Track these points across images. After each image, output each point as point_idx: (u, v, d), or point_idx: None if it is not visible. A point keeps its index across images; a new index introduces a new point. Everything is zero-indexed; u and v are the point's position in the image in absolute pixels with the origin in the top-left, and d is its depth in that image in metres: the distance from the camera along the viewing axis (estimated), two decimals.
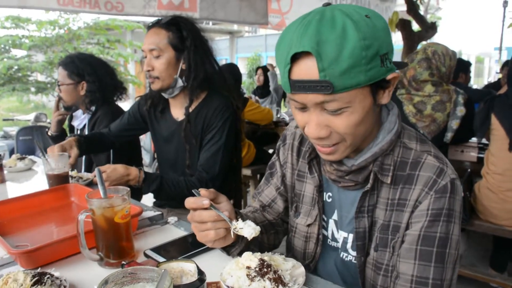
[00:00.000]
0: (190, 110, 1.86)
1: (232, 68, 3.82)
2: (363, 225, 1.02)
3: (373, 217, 1.01)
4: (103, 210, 1.08)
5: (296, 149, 1.21)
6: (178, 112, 1.92)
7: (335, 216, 1.11)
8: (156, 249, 1.18)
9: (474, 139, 2.95)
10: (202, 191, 0.98)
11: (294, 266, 1.01)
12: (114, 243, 1.11)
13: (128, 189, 1.13)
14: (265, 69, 6.48)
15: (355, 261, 1.06)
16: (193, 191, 0.99)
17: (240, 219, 0.96)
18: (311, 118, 0.90)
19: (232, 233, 0.96)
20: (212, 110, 1.82)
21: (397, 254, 0.98)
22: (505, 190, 2.41)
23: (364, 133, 0.94)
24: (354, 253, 1.06)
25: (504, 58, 14.57)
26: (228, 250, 1.08)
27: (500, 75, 5.22)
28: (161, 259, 1.12)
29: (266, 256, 0.99)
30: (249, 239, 0.95)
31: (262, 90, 6.38)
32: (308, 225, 1.16)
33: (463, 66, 4.44)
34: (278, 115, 4.71)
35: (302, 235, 1.17)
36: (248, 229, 0.94)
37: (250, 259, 0.97)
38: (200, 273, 0.76)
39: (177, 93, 1.87)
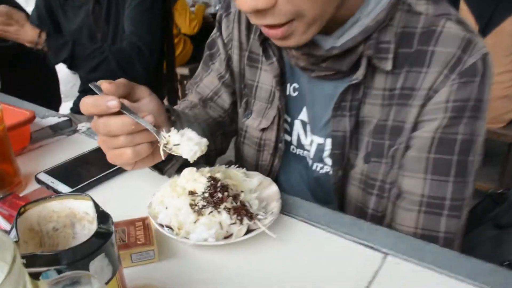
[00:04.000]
0: None
1: None
2: (342, 127, 0.70)
3: (359, 116, 0.70)
4: None
5: (244, 20, 0.82)
6: None
7: (303, 116, 0.78)
8: (53, 172, 0.79)
9: None
10: (104, 84, 0.58)
11: (262, 183, 0.69)
12: None
13: None
14: None
15: (332, 174, 0.75)
16: (90, 85, 0.59)
17: (173, 129, 0.59)
18: None
19: (161, 150, 0.60)
20: None
21: (399, 166, 0.69)
22: None
23: None
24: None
25: None
26: (160, 167, 0.73)
27: None
28: (61, 186, 0.75)
29: (219, 173, 0.66)
30: (190, 161, 0.60)
31: None
32: (263, 129, 0.83)
33: None
34: (218, 7, 4.14)
35: (254, 142, 0.84)
36: (189, 146, 0.58)
37: (195, 178, 0.63)
38: (102, 217, 0.40)
39: None
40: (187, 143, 0.59)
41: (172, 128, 0.60)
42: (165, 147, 0.60)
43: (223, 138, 0.91)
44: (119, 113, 0.57)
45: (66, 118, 1.09)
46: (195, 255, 0.59)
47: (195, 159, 0.60)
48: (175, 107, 0.84)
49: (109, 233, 0.39)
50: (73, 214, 0.44)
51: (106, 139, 0.59)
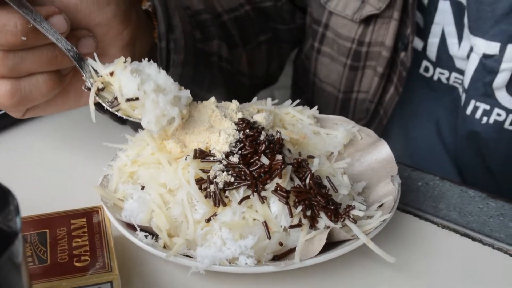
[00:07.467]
0: None
1: None
2: None
3: None
4: None
5: None
6: None
7: (445, 5, 0.44)
8: None
9: None
10: None
11: (355, 141, 0.35)
12: None
13: None
14: None
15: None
16: None
17: (122, 61, 0.30)
18: None
19: (91, 99, 0.30)
20: None
21: None
22: None
23: None
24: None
25: None
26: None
27: None
28: None
29: (261, 113, 0.33)
30: (155, 134, 0.31)
31: None
32: (366, 22, 0.45)
33: None
34: None
35: (345, 49, 0.47)
36: (155, 105, 0.29)
37: (210, 123, 0.30)
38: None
39: None
40: (151, 97, 0.28)
41: (123, 60, 0.29)
42: (101, 95, 0.30)
43: (273, 48, 0.51)
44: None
45: None
46: None
47: (165, 132, 0.30)
48: None
49: (10, 235, 0.14)
50: None
51: None
